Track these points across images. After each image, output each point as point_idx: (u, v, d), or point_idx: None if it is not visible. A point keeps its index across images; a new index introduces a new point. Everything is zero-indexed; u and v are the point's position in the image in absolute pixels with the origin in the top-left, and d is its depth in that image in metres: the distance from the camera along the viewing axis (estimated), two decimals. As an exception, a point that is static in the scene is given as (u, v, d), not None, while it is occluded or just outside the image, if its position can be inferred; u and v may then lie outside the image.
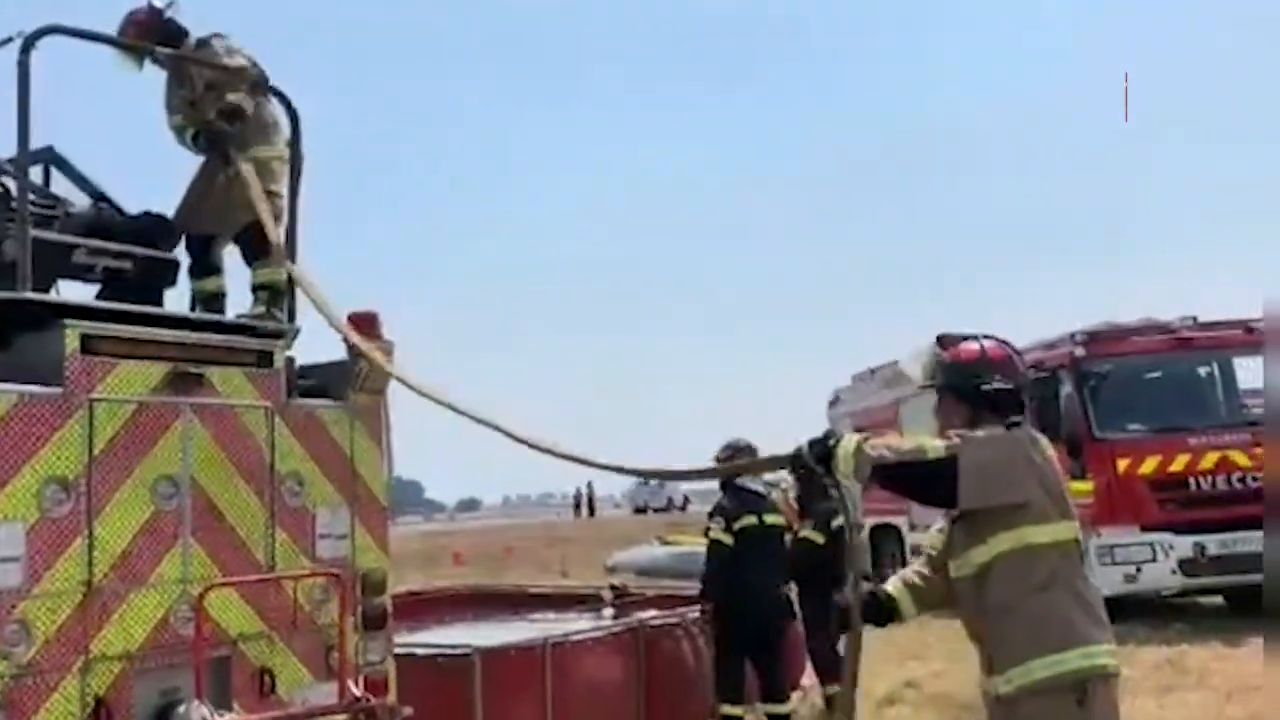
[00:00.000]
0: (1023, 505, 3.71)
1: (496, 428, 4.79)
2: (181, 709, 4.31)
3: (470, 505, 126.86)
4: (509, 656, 6.58)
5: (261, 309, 5.40)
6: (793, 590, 8.03)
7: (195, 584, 4.45)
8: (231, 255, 5.62)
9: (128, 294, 4.96)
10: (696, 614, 7.77)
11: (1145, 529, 12.12)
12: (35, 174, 5.31)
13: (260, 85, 5.53)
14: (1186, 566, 12.00)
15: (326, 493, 5.02)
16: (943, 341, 4.16)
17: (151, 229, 5.40)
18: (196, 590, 4.40)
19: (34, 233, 4.56)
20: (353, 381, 5.15)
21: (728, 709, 7.39)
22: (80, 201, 5.49)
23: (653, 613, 8.11)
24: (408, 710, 5.07)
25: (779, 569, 7.78)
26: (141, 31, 5.49)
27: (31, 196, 4.76)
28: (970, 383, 3.95)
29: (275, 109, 5.61)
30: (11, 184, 4.76)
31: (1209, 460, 12.27)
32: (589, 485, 56.15)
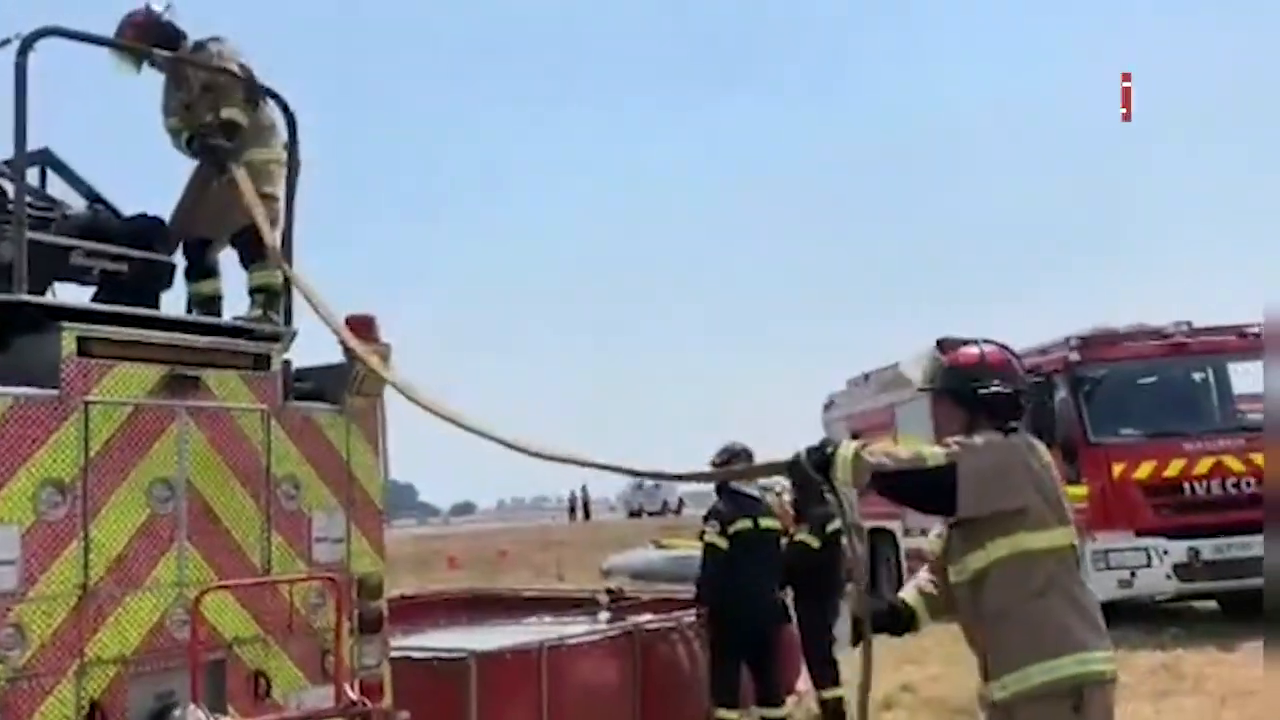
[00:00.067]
0: (1020, 511, 3.71)
1: (490, 437, 4.79)
2: (177, 713, 4.31)
3: (465, 509, 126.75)
4: (505, 660, 6.57)
5: (258, 312, 5.40)
6: (789, 594, 8.03)
7: (191, 587, 4.44)
8: (228, 258, 5.62)
9: (124, 296, 4.95)
10: (692, 618, 7.77)
11: (1140, 534, 12.13)
12: (31, 176, 5.30)
13: (255, 94, 5.52)
14: (1181, 571, 12.01)
15: (322, 496, 5.02)
16: (943, 346, 4.18)
17: (148, 231, 5.39)
18: (192, 593, 4.39)
19: (30, 235, 4.55)
20: (349, 385, 5.14)
21: (723, 713, 7.38)
22: (77, 204, 5.49)
23: (649, 617, 8.11)
24: (404, 714, 5.08)
25: (774, 573, 7.77)
26: (139, 34, 5.48)
27: (28, 198, 4.75)
28: (968, 387, 3.95)
29: (272, 111, 5.61)
30: (8, 186, 4.75)
31: (1203, 465, 12.29)
32: (584, 489, 56.13)
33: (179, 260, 5.50)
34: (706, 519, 7.77)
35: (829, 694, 8.07)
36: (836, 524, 8.06)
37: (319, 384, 5.19)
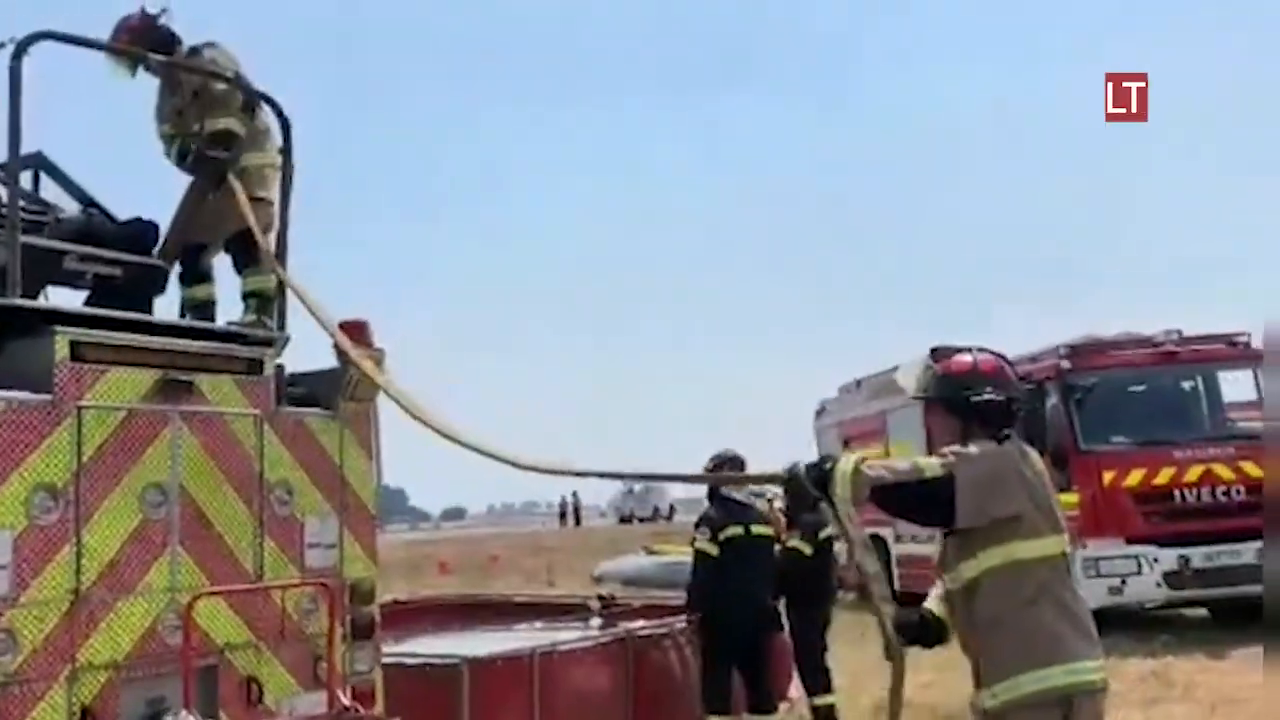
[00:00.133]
0: (1014, 519, 3.73)
1: (482, 451, 4.80)
2: (169, 719, 4.29)
3: (455, 514, 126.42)
4: (497, 666, 6.57)
5: (251, 317, 5.39)
6: (781, 601, 8.04)
7: (183, 593, 4.43)
8: (221, 262, 5.62)
9: (117, 301, 4.94)
10: (684, 624, 7.77)
11: (1130, 541, 12.19)
12: (25, 180, 5.30)
13: (250, 103, 5.52)
14: (1171, 579, 12.06)
15: (315, 501, 5.01)
16: (936, 354, 4.18)
17: (142, 236, 5.39)
18: (184, 599, 4.39)
19: (24, 239, 4.54)
20: (343, 390, 5.14)
21: (715, 719, 7.39)
22: (70, 208, 5.48)
23: (641, 623, 8.10)
24: (395, 720, 5.06)
25: (765, 579, 7.78)
26: (135, 38, 5.49)
27: (21, 202, 4.75)
28: (961, 394, 3.96)
29: (267, 116, 5.61)
30: (1, 190, 4.75)
31: (1193, 473, 12.35)
32: (574, 494, 56.08)
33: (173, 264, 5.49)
34: (697, 525, 7.78)
35: (820, 701, 8.08)
36: (829, 530, 8.08)
37: (312, 389, 5.19)
